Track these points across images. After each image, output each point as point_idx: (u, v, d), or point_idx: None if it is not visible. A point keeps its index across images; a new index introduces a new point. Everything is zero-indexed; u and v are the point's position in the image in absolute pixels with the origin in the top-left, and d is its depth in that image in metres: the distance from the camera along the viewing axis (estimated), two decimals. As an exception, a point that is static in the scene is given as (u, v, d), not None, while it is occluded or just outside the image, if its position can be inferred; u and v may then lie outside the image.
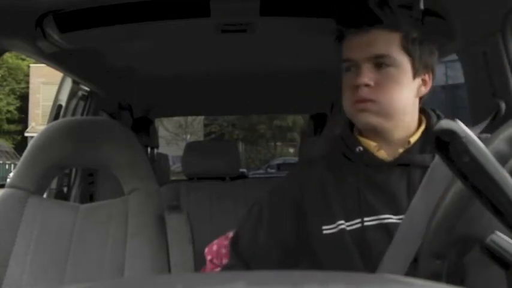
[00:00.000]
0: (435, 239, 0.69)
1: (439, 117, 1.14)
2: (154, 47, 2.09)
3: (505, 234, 0.61)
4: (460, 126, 0.53)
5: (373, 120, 1.08)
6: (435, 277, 0.70)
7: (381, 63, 1.07)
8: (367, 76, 1.06)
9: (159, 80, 2.76)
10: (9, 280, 1.45)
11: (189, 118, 19.24)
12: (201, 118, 19.86)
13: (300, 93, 3.12)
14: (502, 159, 0.61)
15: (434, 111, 1.15)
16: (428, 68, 1.10)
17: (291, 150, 22.03)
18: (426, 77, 1.11)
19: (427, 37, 1.09)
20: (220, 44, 2.04)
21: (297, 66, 2.48)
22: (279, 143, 24.20)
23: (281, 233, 1.13)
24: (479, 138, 1.00)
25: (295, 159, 10.60)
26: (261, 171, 14.46)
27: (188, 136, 19.65)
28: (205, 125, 21.64)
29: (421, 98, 1.12)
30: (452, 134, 0.52)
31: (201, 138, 18.59)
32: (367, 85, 1.06)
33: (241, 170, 2.56)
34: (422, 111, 1.14)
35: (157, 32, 1.80)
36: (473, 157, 0.52)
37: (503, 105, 1.34)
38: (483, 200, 0.54)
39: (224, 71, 2.57)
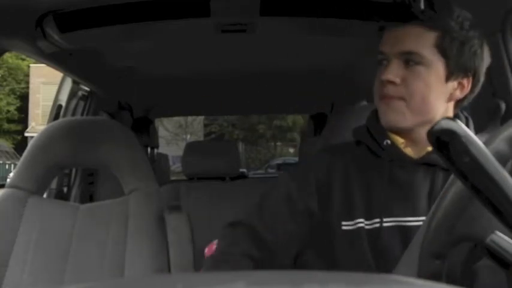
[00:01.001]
0: (435, 239, 0.69)
1: (467, 119, 1.11)
2: (154, 47, 2.09)
3: (505, 234, 0.61)
4: (460, 126, 0.53)
5: (398, 119, 1.05)
6: (435, 277, 0.70)
7: (410, 60, 1.03)
8: (394, 73, 1.04)
9: (159, 80, 2.76)
10: (9, 280, 1.45)
11: (189, 118, 19.24)
12: (201, 118, 19.85)
13: (300, 93, 3.12)
14: (502, 159, 0.61)
15: (462, 112, 1.12)
16: (468, 72, 1.05)
17: (291, 150, 22.03)
18: (464, 81, 1.05)
19: (471, 38, 1.04)
20: (220, 44, 2.04)
21: (297, 66, 2.48)
22: (279, 143, 24.20)
23: (303, 211, 1.08)
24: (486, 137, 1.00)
25: (295, 159, 10.60)
26: (261, 171, 14.46)
27: (188, 136, 19.65)
28: (205, 125, 21.64)
29: (457, 103, 1.08)
30: (452, 134, 0.52)
31: (201, 138, 18.58)
32: (392, 82, 1.04)
33: (241, 170, 2.56)
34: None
35: (157, 32, 1.80)
36: (473, 157, 0.52)
37: (503, 105, 1.34)
38: (483, 199, 0.54)
39: (224, 71, 2.57)
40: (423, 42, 1.03)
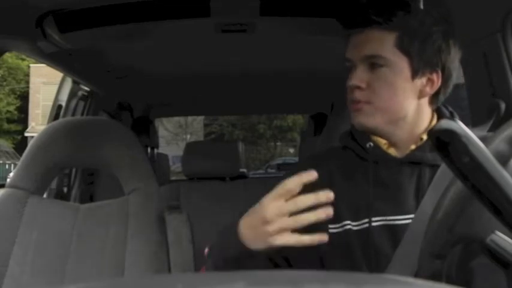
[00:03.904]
0: (435, 239, 0.69)
1: (451, 114, 1.11)
2: (154, 46, 2.09)
3: (505, 234, 0.61)
4: (460, 126, 0.53)
5: (367, 121, 1.07)
6: (435, 277, 0.70)
7: (373, 63, 1.05)
8: (359, 78, 1.06)
9: (159, 80, 2.76)
10: (9, 280, 1.45)
11: (189, 118, 19.24)
12: (201, 118, 19.85)
13: (300, 93, 3.12)
14: (502, 159, 0.61)
15: (446, 107, 1.12)
16: (435, 67, 1.05)
17: (291, 150, 22.04)
18: (433, 76, 1.05)
19: (433, 34, 1.04)
20: (220, 44, 2.05)
21: (297, 66, 2.48)
22: (279, 143, 24.20)
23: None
24: (485, 137, 1.00)
25: (295, 159, 10.60)
26: (261, 171, 14.46)
27: (188, 136, 19.65)
28: (205, 125, 21.64)
29: (432, 98, 1.08)
30: (452, 134, 0.52)
31: (201, 138, 18.59)
32: (358, 87, 1.06)
33: (241, 170, 2.56)
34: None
35: (157, 31, 1.80)
36: (473, 157, 0.52)
37: (503, 105, 1.34)
38: (483, 199, 0.54)
39: (224, 71, 2.58)
40: (384, 44, 1.04)
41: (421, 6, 1.22)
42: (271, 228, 0.88)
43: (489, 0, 1.30)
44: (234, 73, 2.64)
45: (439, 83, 1.07)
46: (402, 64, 1.04)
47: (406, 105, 1.06)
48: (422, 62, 1.04)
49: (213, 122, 21.50)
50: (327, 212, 0.89)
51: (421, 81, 1.05)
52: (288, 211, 0.88)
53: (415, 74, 1.05)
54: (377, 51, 1.04)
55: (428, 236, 0.71)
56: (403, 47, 1.03)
